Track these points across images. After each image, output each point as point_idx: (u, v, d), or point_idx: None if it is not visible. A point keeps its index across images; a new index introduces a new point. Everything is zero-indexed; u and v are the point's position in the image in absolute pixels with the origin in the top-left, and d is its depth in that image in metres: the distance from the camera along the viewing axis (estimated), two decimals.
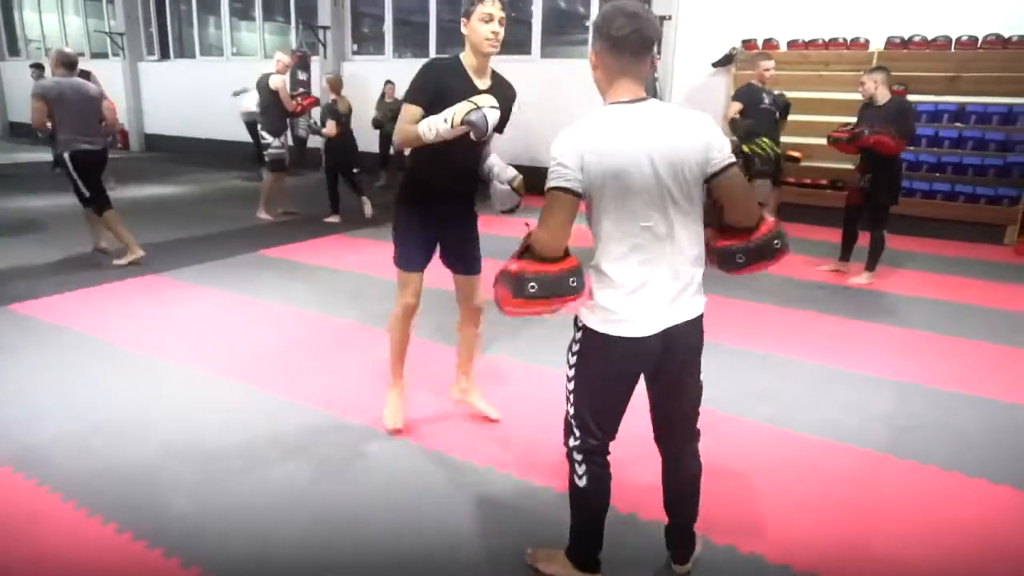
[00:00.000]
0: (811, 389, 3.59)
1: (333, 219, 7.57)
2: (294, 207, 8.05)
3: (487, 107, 2.37)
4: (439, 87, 2.55)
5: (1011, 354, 4.16)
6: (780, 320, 4.61)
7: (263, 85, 7.37)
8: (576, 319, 1.85)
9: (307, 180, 10.65)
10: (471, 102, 2.38)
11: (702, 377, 1.95)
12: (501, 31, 2.56)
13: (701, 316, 1.84)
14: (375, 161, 10.23)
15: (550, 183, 1.68)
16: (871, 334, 4.46)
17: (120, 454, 2.78)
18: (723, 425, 3.11)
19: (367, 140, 10.19)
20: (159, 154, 13.98)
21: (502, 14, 2.54)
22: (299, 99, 7.86)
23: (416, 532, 2.35)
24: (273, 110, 7.42)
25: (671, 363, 1.83)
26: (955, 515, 2.53)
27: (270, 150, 7.51)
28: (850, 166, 5.93)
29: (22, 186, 9.19)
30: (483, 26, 2.52)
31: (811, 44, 8.16)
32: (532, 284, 1.72)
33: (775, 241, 1.86)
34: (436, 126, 2.44)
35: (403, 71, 11.31)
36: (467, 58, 2.63)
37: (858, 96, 5.69)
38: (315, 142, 10.94)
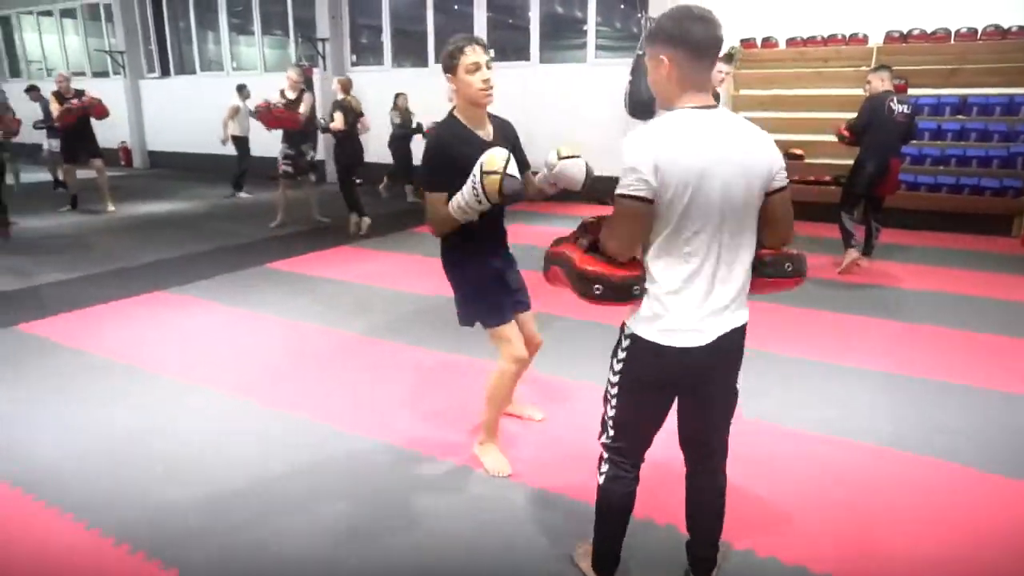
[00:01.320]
0: (813, 385, 3.57)
1: (356, 220, 7.51)
2: (282, 221, 7.98)
3: (505, 167, 2.21)
4: (451, 161, 2.37)
5: (1012, 345, 4.13)
6: (781, 317, 4.59)
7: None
8: (623, 325, 1.81)
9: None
10: (489, 172, 2.20)
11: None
12: (491, 75, 2.40)
13: (745, 326, 1.81)
14: (381, 172, 10.23)
15: (623, 190, 1.62)
16: (874, 329, 4.44)
17: (126, 472, 2.77)
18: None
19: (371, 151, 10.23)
20: (162, 171, 14.04)
21: (487, 58, 2.38)
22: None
23: (436, 548, 2.33)
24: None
25: (715, 374, 1.80)
26: (974, 512, 2.50)
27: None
28: (850, 161, 5.93)
29: (24, 207, 9.23)
30: (472, 77, 2.36)
31: (810, 41, 8.16)
32: (598, 287, 1.71)
33: (787, 264, 1.85)
34: (472, 206, 2.28)
35: (403, 81, 11.38)
36: (462, 112, 2.47)
37: (859, 91, 5.73)
38: (322, 153, 10.99)
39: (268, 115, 7.36)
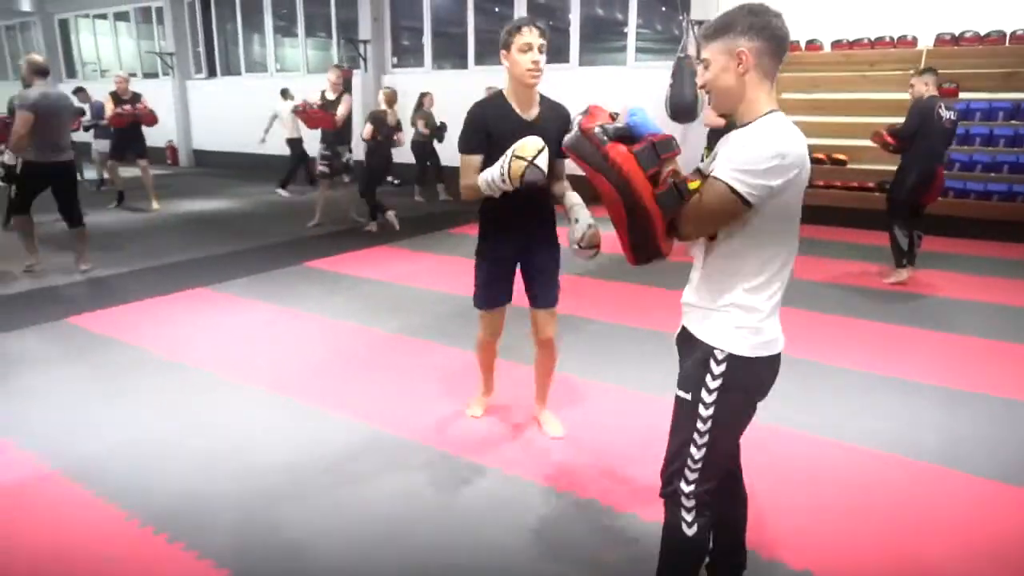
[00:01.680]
0: (856, 397, 3.48)
1: (371, 227, 7.73)
2: (318, 221, 8.11)
3: (534, 157, 2.28)
4: (489, 131, 2.52)
5: None
6: (821, 327, 4.49)
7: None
8: (710, 350, 1.65)
9: (348, 193, 10.83)
10: (519, 157, 2.29)
11: None
12: (542, 59, 2.48)
13: None
14: (412, 174, 10.36)
15: (739, 187, 1.49)
16: (921, 340, 4.32)
17: (170, 466, 2.85)
18: (763, 434, 3.04)
19: (405, 150, 10.32)
20: (207, 169, 14.38)
21: (542, 41, 2.47)
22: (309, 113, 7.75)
23: (471, 549, 2.34)
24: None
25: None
26: (1010, 531, 2.41)
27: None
28: (895, 167, 5.79)
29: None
30: (523, 57, 2.46)
31: (856, 43, 7.98)
32: (654, 260, 1.68)
33: None
34: (496, 184, 2.39)
35: (443, 82, 11.50)
36: (510, 92, 2.58)
37: (904, 95, 5.57)
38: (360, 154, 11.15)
39: (304, 115, 7.69)
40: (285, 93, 10.43)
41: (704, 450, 1.67)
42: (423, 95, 9.90)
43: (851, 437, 3.07)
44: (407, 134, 9.01)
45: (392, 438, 3.07)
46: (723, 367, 1.63)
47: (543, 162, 2.29)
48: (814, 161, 8.13)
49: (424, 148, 9.96)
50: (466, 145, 2.58)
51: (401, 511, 2.54)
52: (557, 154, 2.44)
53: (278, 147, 10.54)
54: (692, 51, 8.44)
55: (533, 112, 2.61)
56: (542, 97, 2.65)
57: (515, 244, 2.76)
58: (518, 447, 3.01)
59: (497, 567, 2.25)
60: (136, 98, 8.65)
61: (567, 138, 1.68)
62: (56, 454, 2.91)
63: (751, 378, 1.66)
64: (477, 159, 2.54)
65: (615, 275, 5.81)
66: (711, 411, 1.65)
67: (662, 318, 3.91)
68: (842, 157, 8.13)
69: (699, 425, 1.67)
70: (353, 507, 2.56)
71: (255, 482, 2.72)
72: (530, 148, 2.30)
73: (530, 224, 2.75)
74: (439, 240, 7.47)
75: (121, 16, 16.06)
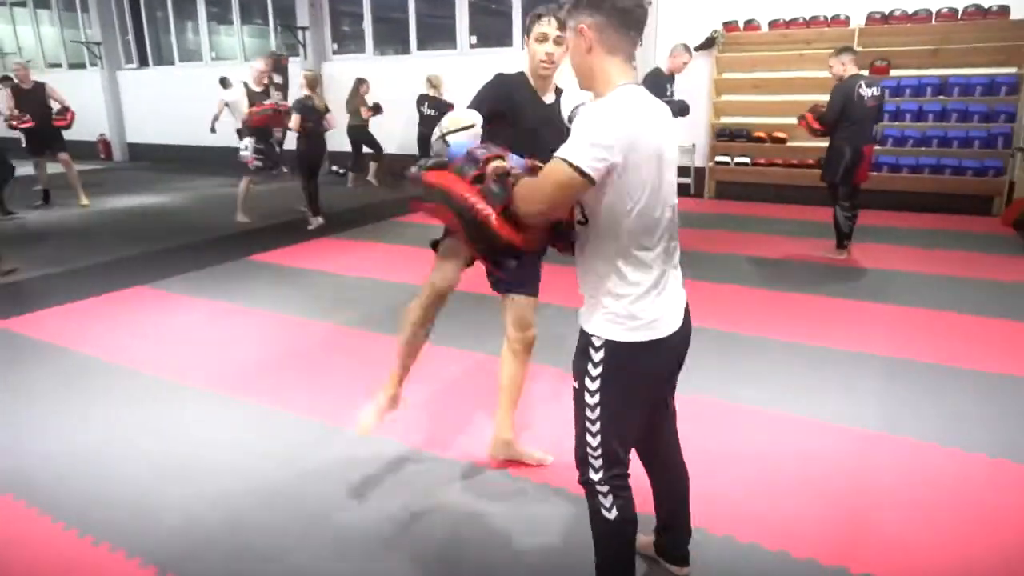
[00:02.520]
0: (801, 370, 3.58)
1: (315, 221, 7.36)
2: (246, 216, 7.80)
3: (454, 128, 2.11)
4: (506, 99, 2.44)
5: (1003, 326, 4.17)
6: (765, 302, 4.60)
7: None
8: (589, 338, 1.64)
9: (290, 185, 10.60)
10: (440, 126, 2.14)
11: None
12: (557, 51, 2.43)
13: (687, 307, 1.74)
14: (346, 161, 10.25)
15: (575, 159, 1.46)
16: (861, 312, 4.46)
17: (110, 473, 2.74)
18: (711, 410, 3.11)
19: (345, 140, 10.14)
20: (142, 163, 13.87)
21: (558, 33, 2.41)
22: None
23: (446, 550, 2.32)
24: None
25: (677, 359, 1.76)
26: (955, 491, 2.52)
27: (240, 153, 7.37)
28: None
29: None
30: (538, 47, 2.44)
31: (792, 23, 8.14)
32: (511, 262, 1.72)
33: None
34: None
35: (385, 68, 11.32)
36: (530, 75, 2.54)
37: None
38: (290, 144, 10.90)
39: (264, 118, 7.10)
40: (224, 82, 10.08)
41: (599, 437, 1.67)
42: (360, 82, 9.73)
43: (797, 409, 3.15)
44: (341, 120, 8.90)
45: (347, 434, 3.01)
46: (601, 354, 1.62)
47: (458, 139, 2.07)
48: (755, 140, 8.34)
49: (360, 134, 9.84)
50: (473, 102, 2.43)
51: (360, 508, 2.50)
52: (561, 138, 2.36)
53: (214, 138, 10.20)
54: None
55: (551, 96, 2.58)
56: (558, 88, 2.61)
57: None
58: (479, 438, 2.98)
59: (460, 559, 2.24)
60: (40, 87, 8.20)
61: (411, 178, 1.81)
62: None
63: (631, 364, 1.62)
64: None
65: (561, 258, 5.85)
66: (596, 399, 1.64)
67: None
68: (782, 135, 8.30)
69: (588, 413, 1.67)
70: (310, 506, 2.51)
71: (205, 485, 2.64)
72: (454, 121, 2.15)
73: None
74: (384, 229, 7.37)
75: (42, 3, 15.28)
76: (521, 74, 2.56)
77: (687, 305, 1.73)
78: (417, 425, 3.07)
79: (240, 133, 7.59)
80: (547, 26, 2.42)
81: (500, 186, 1.61)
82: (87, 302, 4.90)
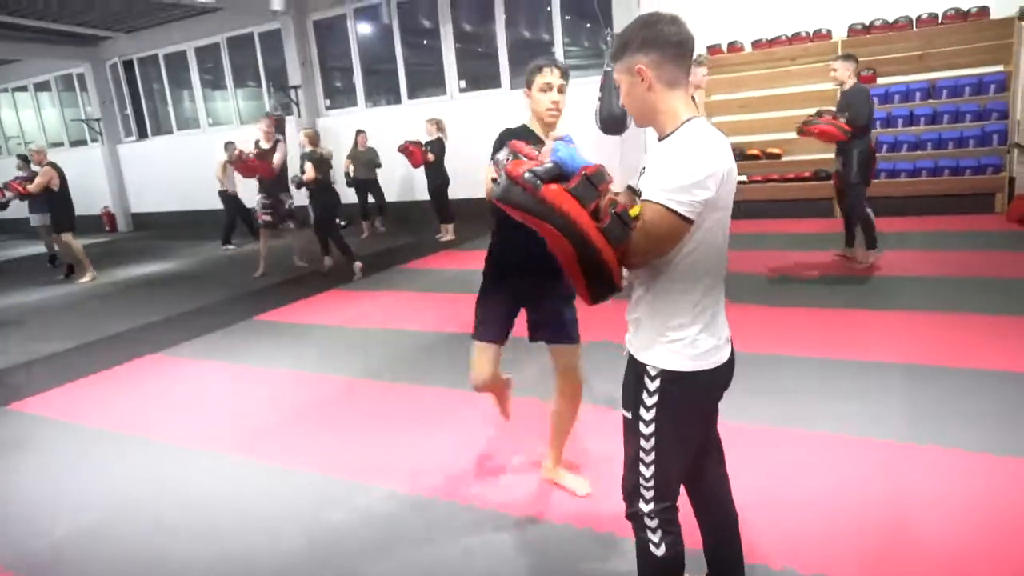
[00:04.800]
0: (819, 384, 3.53)
1: (358, 265, 7.33)
2: (262, 271, 7.98)
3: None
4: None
5: (1019, 323, 4.11)
6: (774, 320, 4.57)
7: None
8: (643, 366, 1.64)
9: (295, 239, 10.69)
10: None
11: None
12: (562, 99, 2.54)
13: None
14: (355, 212, 10.33)
15: (675, 206, 1.47)
16: (873, 321, 4.41)
17: (131, 546, 2.71)
18: (732, 434, 3.05)
19: (345, 193, 10.26)
20: (147, 232, 14.04)
21: (562, 82, 2.52)
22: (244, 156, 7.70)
23: None
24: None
25: (723, 392, 1.74)
26: (987, 496, 2.45)
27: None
28: (830, 155, 5.96)
29: (9, 282, 9.19)
30: (543, 96, 2.52)
31: (775, 41, 8.24)
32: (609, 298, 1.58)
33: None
34: (495, 170, 2.18)
35: (378, 118, 11.48)
36: (533, 124, 2.60)
37: (828, 85, 5.75)
38: (300, 199, 11.03)
39: (242, 165, 7.58)
40: (228, 147, 10.26)
41: (653, 467, 1.65)
42: (358, 133, 9.94)
43: (822, 426, 3.10)
44: (338, 173, 9.21)
45: (367, 488, 2.97)
46: (657, 383, 1.62)
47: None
48: (749, 157, 8.37)
49: (365, 185, 10.00)
50: (492, 155, 2.46)
51: (384, 563, 2.45)
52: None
53: (217, 202, 10.37)
54: None
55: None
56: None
57: (528, 273, 2.58)
58: (502, 484, 2.94)
59: None
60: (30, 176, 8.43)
61: (496, 189, 1.58)
62: (4, 549, 2.74)
63: (688, 392, 1.62)
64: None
65: None
66: (652, 428, 1.63)
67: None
68: (776, 151, 8.34)
69: (642, 443, 1.65)
70: (337, 563, 2.47)
71: (227, 547, 2.60)
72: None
73: (538, 269, 2.49)
74: (389, 278, 7.38)
75: (42, 86, 15.67)
76: (524, 127, 2.61)
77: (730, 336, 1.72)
78: (435, 474, 3.03)
79: (223, 197, 7.94)
80: (550, 76, 2.50)
81: (621, 228, 1.51)
82: (97, 376, 4.89)
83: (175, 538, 2.73)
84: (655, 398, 1.62)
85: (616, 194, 1.58)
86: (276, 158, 7.41)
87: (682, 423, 1.65)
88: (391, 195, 10.70)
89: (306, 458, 3.31)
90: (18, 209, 8.66)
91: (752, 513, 2.44)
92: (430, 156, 8.80)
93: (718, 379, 1.66)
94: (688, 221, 1.49)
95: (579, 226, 1.48)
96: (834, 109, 5.63)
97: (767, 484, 2.66)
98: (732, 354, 1.71)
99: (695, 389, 1.63)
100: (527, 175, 1.50)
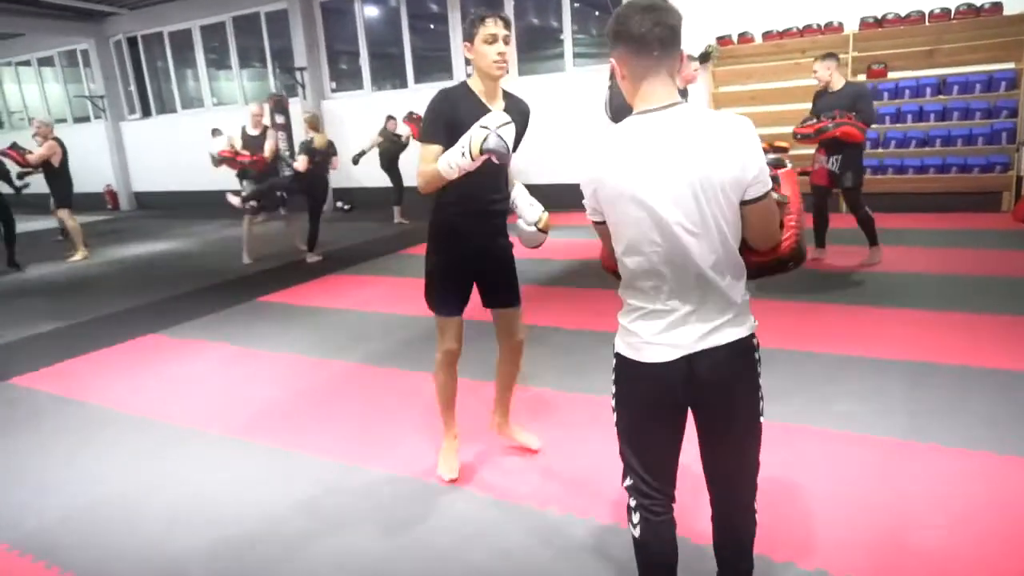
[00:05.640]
0: (822, 382, 3.52)
1: (313, 258, 7.49)
2: (256, 255, 7.97)
3: (499, 126, 2.19)
4: (452, 118, 2.43)
5: (1021, 323, 4.09)
6: (777, 314, 4.55)
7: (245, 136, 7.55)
8: (614, 346, 1.71)
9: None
10: (482, 126, 2.21)
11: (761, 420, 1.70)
12: (508, 50, 2.46)
13: (738, 344, 1.60)
14: (385, 196, 10.10)
15: (587, 213, 1.66)
16: (878, 318, 4.40)
17: (130, 526, 2.71)
18: None
19: (357, 174, 10.21)
20: (149, 211, 14.01)
21: (506, 32, 2.44)
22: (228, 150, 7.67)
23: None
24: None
25: (702, 396, 1.62)
26: (989, 495, 2.45)
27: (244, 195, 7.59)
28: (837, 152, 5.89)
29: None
30: (488, 48, 2.42)
31: (786, 33, 8.17)
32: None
33: (790, 263, 1.76)
34: (455, 161, 2.27)
35: (383, 103, 11.40)
36: (475, 83, 2.53)
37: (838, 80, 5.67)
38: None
39: (234, 163, 7.53)
40: (215, 133, 10.18)
41: (619, 445, 1.73)
42: (388, 119, 9.56)
43: (823, 422, 3.09)
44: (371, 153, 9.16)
45: (368, 473, 2.98)
46: (614, 361, 1.69)
47: (507, 134, 2.20)
48: None
49: (390, 167, 9.64)
50: (427, 134, 2.48)
51: (383, 547, 2.45)
52: (515, 148, 2.38)
53: (221, 182, 10.31)
54: None
55: (499, 104, 2.56)
56: (505, 92, 2.61)
57: (475, 239, 2.66)
58: (497, 470, 2.94)
59: None
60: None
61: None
62: (5, 528, 2.74)
63: (629, 378, 1.66)
64: (436, 148, 2.43)
65: (568, 282, 5.83)
66: (613, 404, 1.72)
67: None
68: (784, 144, 8.27)
69: (614, 420, 1.73)
70: (333, 547, 2.47)
71: (227, 531, 2.60)
72: (496, 119, 2.21)
73: (487, 214, 2.65)
74: (389, 263, 7.37)
75: (45, 61, 15.59)
76: (463, 85, 2.56)
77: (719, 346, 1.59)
78: (435, 459, 3.02)
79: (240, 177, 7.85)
80: (494, 27, 2.42)
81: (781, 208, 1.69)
82: (98, 353, 4.89)
83: (173, 520, 2.72)
84: (612, 376, 1.70)
85: None
86: (268, 146, 7.38)
87: (624, 408, 1.70)
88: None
89: (306, 441, 3.31)
90: (40, 184, 8.59)
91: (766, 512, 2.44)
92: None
93: (652, 376, 1.59)
94: (599, 224, 1.64)
95: (792, 207, 1.72)
96: (833, 114, 5.38)
97: (769, 478, 2.65)
98: (698, 362, 1.57)
99: (627, 375, 1.65)
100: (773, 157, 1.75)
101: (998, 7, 7.15)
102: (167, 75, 14.02)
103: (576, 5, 9.95)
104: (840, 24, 7.89)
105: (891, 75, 7.74)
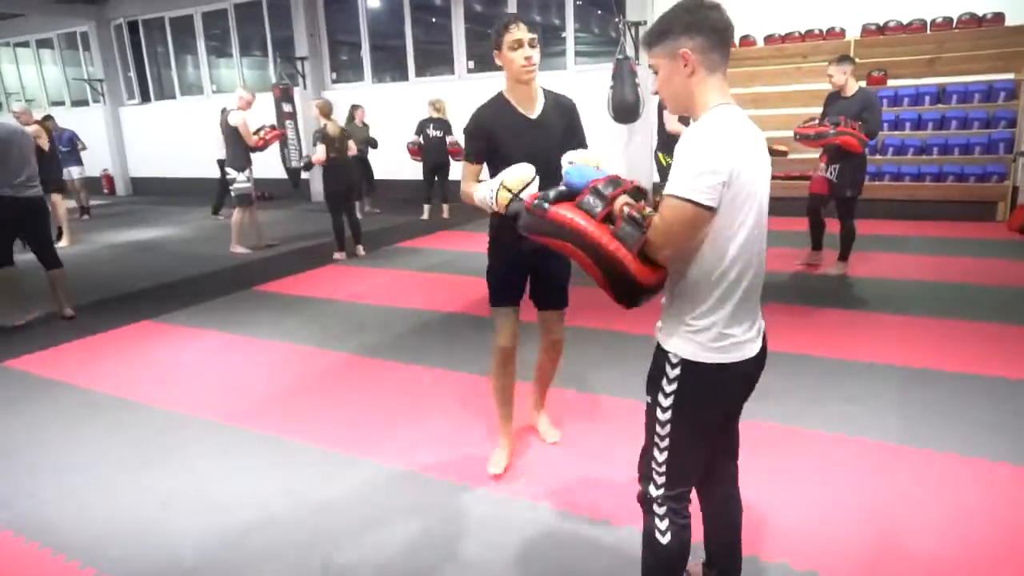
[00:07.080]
0: (817, 384, 3.54)
1: (339, 256, 7.22)
2: (271, 239, 8.08)
3: (520, 186, 2.19)
4: (491, 136, 2.48)
5: (1016, 331, 4.12)
6: (772, 316, 4.57)
7: (223, 123, 7.39)
8: (665, 353, 1.64)
9: (297, 212, 10.65)
10: (506, 188, 2.20)
11: None
12: (535, 54, 2.47)
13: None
14: (384, 188, 10.19)
15: (692, 195, 1.46)
16: (873, 324, 4.43)
17: (122, 509, 2.71)
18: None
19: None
20: (145, 197, 13.95)
21: (532, 35, 2.46)
22: (262, 133, 7.68)
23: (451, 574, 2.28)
24: (236, 146, 7.35)
25: (750, 387, 1.73)
26: (980, 501, 2.47)
27: (236, 185, 7.44)
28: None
29: None
30: (515, 54, 2.44)
31: (788, 37, 8.19)
32: (645, 297, 1.63)
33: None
34: (487, 202, 2.30)
35: (383, 95, 11.35)
36: (510, 91, 2.55)
37: None
38: (311, 175, 10.95)
39: (268, 139, 7.70)
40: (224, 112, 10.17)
41: (666, 454, 1.66)
42: (354, 108, 9.51)
43: (816, 425, 3.11)
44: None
45: (362, 464, 2.98)
46: (677, 371, 1.62)
47: (532, 191, 2.18)
48: None
49: (359, 162, 9.72)
50: (466, 153, 2.55)
51: (379, 538, 2.46)
52: (563, 147, 2.30)
53: (217, 170, 10.30)
54: (631, 52, 8.55)
55: (536, 109, 2.56)
56: (545, 92, 2.61)
57: (526, 251, 2.59)
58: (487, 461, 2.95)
59: None
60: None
61: (521, 223, 1.74)
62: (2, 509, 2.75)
63: (706, 383, 1.62)
64: (476, 168, 2.50)
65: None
66: (669, 415, 1.64)
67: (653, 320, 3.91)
68: (783, 148, 8.29)
69: (659, 429, 1.66)
70: (328, 537, 2.48)
71: (218, 519, 2.61)
72: (518, 180, 2.21)
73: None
74: (387, 255, 7.36)
75: (45, 43, 15.48)
76: (499, 96, 2.57)
77: (764, 330, 1.71)
78: (430, 452, 3.03)
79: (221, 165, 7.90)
80: (519, 32, 2.44)
81: (634, 228, 1.56)
82: (94, 338, 4.88)
83: (165, 508, 2.73)
84: (674, 386, 1.62)
85: (638, 189, 1.66)
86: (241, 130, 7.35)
87: (698, 414, 1.64)
88: (391, 173, 10.62)
89: (301, 431, 3.32)
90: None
91: (748, 508, 2.46)
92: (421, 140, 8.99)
93: (741, 373, 1.64)
94: (706, 208, 1.48)
95: (589, 235, 1.57)
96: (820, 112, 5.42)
97: (762, 480, 2.68)
98: (763, 350, 1.69)
99: (713, 381, 1.61)
100: (536, 202, 1.66)
101: (1000, 17, 7.19)
102: (167, 61, 13.95)
103: (579, 3, 9.95)
104: (842, 30, 7.92)
105: (891, 83, 7.78)
